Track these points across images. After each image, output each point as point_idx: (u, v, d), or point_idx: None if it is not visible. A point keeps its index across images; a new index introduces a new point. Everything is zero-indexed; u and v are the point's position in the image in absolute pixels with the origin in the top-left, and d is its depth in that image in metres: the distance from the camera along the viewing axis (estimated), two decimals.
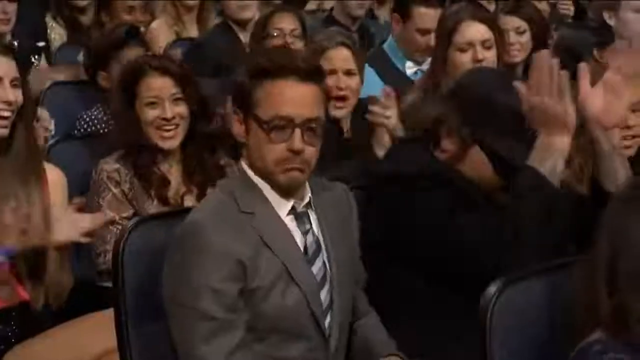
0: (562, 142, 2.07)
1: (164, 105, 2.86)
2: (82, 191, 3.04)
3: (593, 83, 2.22)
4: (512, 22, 3.70)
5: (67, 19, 4.60)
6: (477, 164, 2.37)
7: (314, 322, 1.98)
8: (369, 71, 3.59)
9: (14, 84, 2.61)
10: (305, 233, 2.00)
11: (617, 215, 1.68)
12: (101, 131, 3.50)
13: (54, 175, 2.79)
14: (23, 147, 2.69)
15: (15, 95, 2.60)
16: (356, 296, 2.17)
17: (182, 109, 2.91)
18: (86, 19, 4.62)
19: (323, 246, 2.03)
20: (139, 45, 3.55)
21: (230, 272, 1.87)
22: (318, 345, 2.01)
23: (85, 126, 3.51)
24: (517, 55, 3.68)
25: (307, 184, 2.03)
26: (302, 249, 1.99)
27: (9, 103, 2.60)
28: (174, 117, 2.88)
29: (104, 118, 3.49)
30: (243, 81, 1.97)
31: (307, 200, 2.02)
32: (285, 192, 1.98)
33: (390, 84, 3.49)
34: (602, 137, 2.22)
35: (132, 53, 3.43)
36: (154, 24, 4.50)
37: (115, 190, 2.85)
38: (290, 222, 1.99)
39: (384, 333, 2.16)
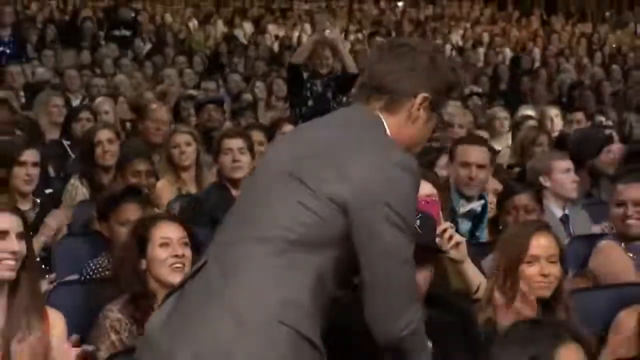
0: None
1: (174, 245, 3.06)
2: (80, 329, 2.96)
3: None
4: None
5: (90, 180, 4.84)
6: None
7: None
8: None
9: (19, 237, 2.73)
10: None
11: None
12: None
13: (54, 316, 2.89)
14: (27, 290, 2.79)
15: (20, 247, 2.72)
16: None
17: (187, 252, 3.09)
18: (106, 178, 4.86)
19: None
20: (135, 202, 3.73)
21: None
22: None
23: (90, 273, 3.68)
24: None
25: None
26: None
27: (14, 253, 2.71)
28: (183, 255, 3.06)
29: (108, 265, 3.62)
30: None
31: None
32: None
33: None
34: None
35: (129, 208, 3.68)
36: (158, 184, 4.77)
37: (114, 338, 2.97)
38: None
39: None
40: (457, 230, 3.65)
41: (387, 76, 2.16)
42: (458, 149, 4.27)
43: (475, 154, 4.18)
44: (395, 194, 2.03)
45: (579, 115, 6.92)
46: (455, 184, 4.22)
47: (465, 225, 4.16)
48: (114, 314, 3.04)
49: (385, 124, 2.17)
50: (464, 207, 4.16)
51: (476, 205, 4.19)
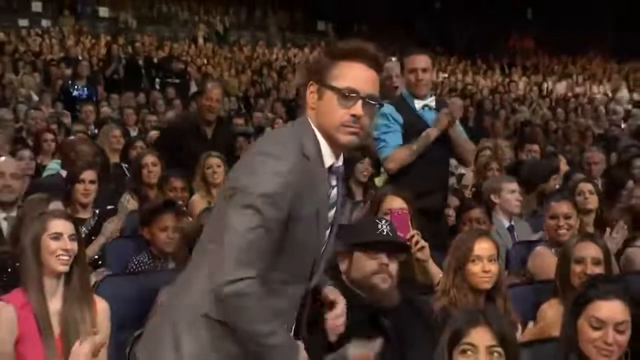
0: None
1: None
2: (121, 313, 2.99)
3: None
4: None
5: (138, 195, 4.82)
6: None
7: (311, 264, 1.93)
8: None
9: (71, 238, 2.73)
10: (332, 187, 1.94)
11: None
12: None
13: (101, 304, 2.85)
14: (78, 280, 2.78)
15: (72, 246, 2.72)
16: None
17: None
18: (152, 193, 4.80)
19: (338, 203, 1.98)
20: (171, 212, 3.74)
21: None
22: (303, 285, 1.94)
23: (133, 267, 3.70)
24: None
25: None
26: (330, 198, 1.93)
27: (66, 251, 2.71)
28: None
29: (148, 261, 3.71)
30: (321, 59, 1.95)
31: (340, 162, 1.95)
32: (337, 150, 1.92)
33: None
34: None
35: (167, 217, 3.69)
36: (193, 197, 4.75)
37: None
38: (329, 176, 1.93)
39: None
40: (422, 121, 4.04)
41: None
42: (406, 59, 4.16)
43: (419, 59, 4.08)
44: (251, 176, 1.82)
45: (535, 147, 6.84)
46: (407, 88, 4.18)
47: (429, 114, 4.11)
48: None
49: (310, 121, 1.92)
50: (418, 104, 4.10)
51: (429, 100, 4.14)
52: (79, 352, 2.31)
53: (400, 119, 4.04)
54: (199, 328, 1.85)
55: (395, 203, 3.41)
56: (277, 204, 1.78)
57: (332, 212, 1.95)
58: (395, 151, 3.98)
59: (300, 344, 1.92)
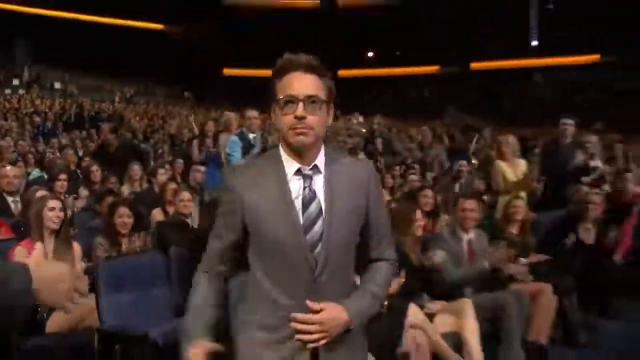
0: None
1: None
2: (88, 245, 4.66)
3: None
4: None
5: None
6: None
7: (301, 254, 1.88)
8: None
9: (60, 210, 4.07)
10: (304, 187, 1.91)
11: None
12: None
13: (76, 246, 4.22)
14: (63, 234, 4.14)
15: (61, 214, 4.12)
16: (370, 266, 2.03)
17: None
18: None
19: (322, 200, 1.90)
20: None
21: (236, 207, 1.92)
22: (304, 270, 1.88)
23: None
24: None
25: (319, 155, 1.94)
26: (299, 197, 1.90)
27: (58, 217, 4.08)
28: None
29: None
30: (270, 83, 1.94)
31: (311, 166, 1.93)
32: (302, 158, 1.91)
33: None
34: None
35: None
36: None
37: None
38: (298, 180, 1.91)
39: (366, 296, 1.96)
40: None
41: None
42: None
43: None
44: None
45: None
46: None
47: None
48: None
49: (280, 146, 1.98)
50: None
51: None
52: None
53: None
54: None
55: None
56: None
57: (311, 209, 1.90)
58: None
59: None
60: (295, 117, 1.86)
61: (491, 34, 25.66)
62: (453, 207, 4.81)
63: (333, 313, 1.87)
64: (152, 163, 10.16)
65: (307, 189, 1.91)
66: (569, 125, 7.14)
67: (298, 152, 1.91)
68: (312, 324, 1.85)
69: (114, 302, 3.89)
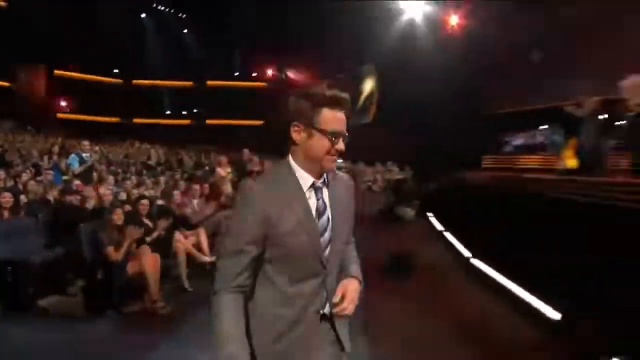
0: None
1: None
2: None
3: None
4: None
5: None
6: None
7: (317, 256, 2.26)
8: None
9: None
10: (318, 199, 2.29)
11: None
12: None
13: None
14: None
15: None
16: (345, 249, 2.43)
17: None
18: None
19: (329, 209, 2.30)
20: None
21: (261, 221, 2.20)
22: (318, 272, 2.28)
23: None
24: None
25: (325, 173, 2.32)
26: (314, 208, 2.27)
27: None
28: None
29: None
30: (302, 105, 2.25)
31: (321, 180, 2.31)
32: (316, 175, 2.28)
33: None
34: None
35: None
36: None
37: None
38: (310, 192, 2.28)
39: (355, 264, 2.46)
40: None
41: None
42: None
43: None
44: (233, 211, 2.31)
45: None
46: None
47: None
48: None
49: (290, 158, 2.31)
50: None
51: None
52: None
53: None
54: None
55: None
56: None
57: (324, 218, 2.29)
58: None
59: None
60: (336, 150, 2.27)
61: None
62: None
63: (355, 285, 2.36)
64: None
65: (320, 200, 2.30)
66: None
67: (320, 172, 2.30)
68: (348, 300, 2.31)
69: None
